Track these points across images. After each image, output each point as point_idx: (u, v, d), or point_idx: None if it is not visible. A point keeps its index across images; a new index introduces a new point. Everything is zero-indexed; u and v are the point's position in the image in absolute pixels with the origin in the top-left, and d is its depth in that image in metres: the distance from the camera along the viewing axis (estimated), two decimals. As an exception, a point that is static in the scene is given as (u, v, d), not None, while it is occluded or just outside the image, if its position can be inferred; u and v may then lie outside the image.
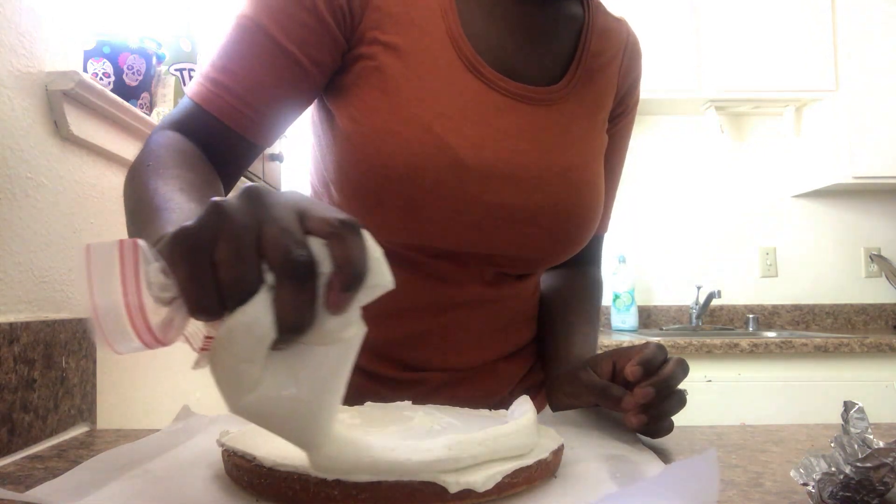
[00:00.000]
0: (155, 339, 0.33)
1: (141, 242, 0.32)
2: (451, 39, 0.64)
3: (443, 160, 0.62)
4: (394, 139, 0.61)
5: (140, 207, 0.50)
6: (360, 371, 0.72)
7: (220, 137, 0.61)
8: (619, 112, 0.80)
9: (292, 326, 0.32)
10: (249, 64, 0.60)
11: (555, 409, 0.70)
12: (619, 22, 0.79)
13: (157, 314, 0.33)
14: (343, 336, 0.34)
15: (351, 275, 0.33)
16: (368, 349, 0.71)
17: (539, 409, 0.77)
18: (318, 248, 0.33)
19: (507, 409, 0.57)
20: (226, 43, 0.61)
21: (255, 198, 0.33)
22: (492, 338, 0.74)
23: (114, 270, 0.32)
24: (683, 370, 0.57)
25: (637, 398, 0.55)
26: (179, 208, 0.46)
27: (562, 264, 0.86)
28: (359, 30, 0.62)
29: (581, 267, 0.88)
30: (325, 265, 0.33)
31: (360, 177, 0.62)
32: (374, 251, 0.34)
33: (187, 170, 0.54)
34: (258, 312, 0.31)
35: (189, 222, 0.33)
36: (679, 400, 0.57)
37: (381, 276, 0.34)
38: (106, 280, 0.32)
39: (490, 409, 0.60)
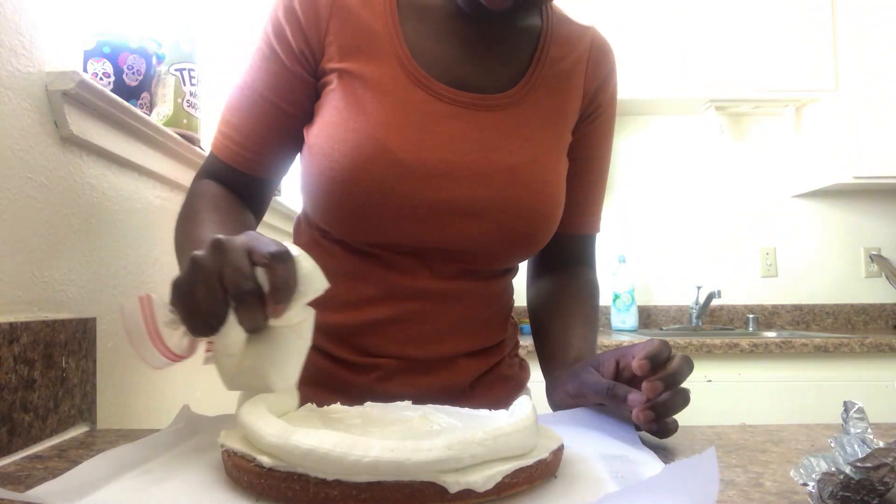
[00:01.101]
0: (174, 354, 0.50)
1: (153, 295, 0.49)
2: (398, 60, 0.72)
3: (383, 162, 0.68)
4: (340, 146, 0.69)
5: (180, 251, 0.68)
6: (320, 352, 0.77)
7: (236, 178, 0.75)
8: (592, 111, 0.82)
9: (250, 329, 0.48)
10: (243, 115, 0.74)
11: (555, 408, 0.70)
12: (586, 28, 0.83)
13: (171, 338, 0.49)
14: (291, 322, 0.50)
15: (278, 293, 0.47)
16: (328, 333, 0.76)
17: (502, 402, 0.78)
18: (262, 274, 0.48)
19: (471, 401, 0.58)
20: (230, 100, 0.76)
21: (217, 248, 0.47)
22: (453, 334, 0.76)
23: (139, 315, 0.49)
24: (689, 366, 0.58)
25: (645, 393, 0.55)
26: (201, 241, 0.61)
27: (554, 267, 0.88)
28: (321, 65, 0.73)
29: (574, 269, 0.88)
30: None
31: (316, 182, 0.71)
32: (304, 267, 0.48)
33: (212, 211, 0.69)
34: (231, 326, 0.47)
35: (179, 274, 0.48)
36: (684, 398, 0.57)
37: (311, 285, 0.49)
38: (135, 322, 0.49)
39: (490, 409, 0.60)
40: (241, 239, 0.48)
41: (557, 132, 0.78)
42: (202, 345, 0.50)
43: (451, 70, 0.74)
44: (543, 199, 0.74)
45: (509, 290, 0.85)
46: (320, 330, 0.75)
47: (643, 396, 0.56)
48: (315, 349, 0.76)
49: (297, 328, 0.51)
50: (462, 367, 0.78)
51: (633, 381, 0.58)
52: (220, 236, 0.48)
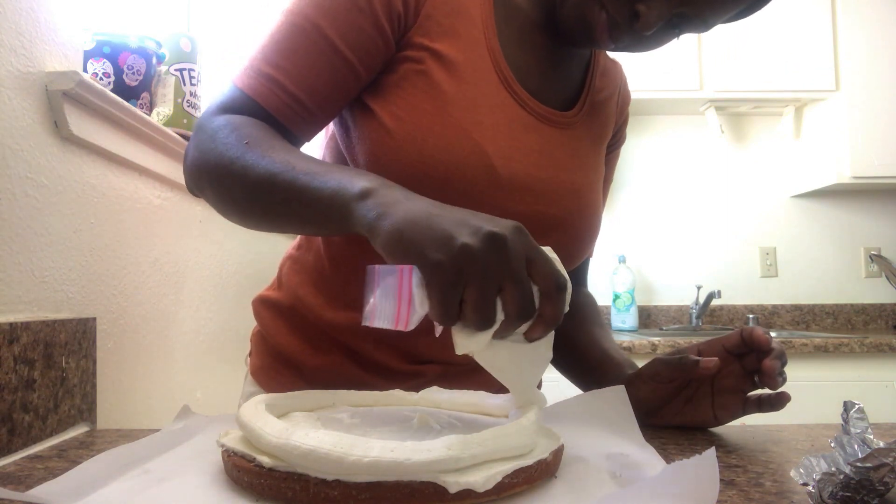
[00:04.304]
0: (405, 325, 0.44)
1: (414, 269, 0.44)
2: (491, 54, 0.68)
3: (478, 166, 0.65)
4: (435, 140, 0.63)
5: (280, 175, 0.54)
6: (359, 359, 0.74)
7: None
8: (613, 143, 0.87)
9: (501, 338, 0.46)
10: (306, 65, 0.61)
11: (636, 401, 0.66)
12: (615, 63, 0.86)
13: (413, 314, 0.44)
14: (546, 333, 0.47)
15: (545, 324, 0.46)
16: (375, 338, 0.72)
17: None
18: (535, 292, 0.45)
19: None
20: (280, 40, 0.62)
21: (496, 245, 0.43)
22: None
23: (395, 282, 0.44)
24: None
25: (767, 371, 0.63)
26: (336, 170, 0.53)
27: None
28: (408, 35, 0.65)
29: (575, 288, 0.91)
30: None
31: (398, 170, 0.62)
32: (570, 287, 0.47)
33: (281, 139, 0.59)
34: (488, 336, 0.45)
35: (444, 257, 0.42)
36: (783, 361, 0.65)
37: (568, 304, 0.47)
38: (387, 285, 0.45)
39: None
40: (524, 243, 0.45)
41: (600, 159, 0.80)
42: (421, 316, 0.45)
43: (528, 78, 0.72)
44: (595, 222, 0.76)
45: None
46: (366, 335, 0.72)
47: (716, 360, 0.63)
48: (350, 357, 0.74)
49: (538, 344, 0.48)
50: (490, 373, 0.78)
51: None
52: (501, 232, 0.43)
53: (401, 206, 0.47)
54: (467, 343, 0.45)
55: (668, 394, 0.67)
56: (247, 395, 0.81)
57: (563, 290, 0.45)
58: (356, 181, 0.50)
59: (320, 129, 0.67)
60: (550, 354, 0.50)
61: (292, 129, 0.63)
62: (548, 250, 0.47)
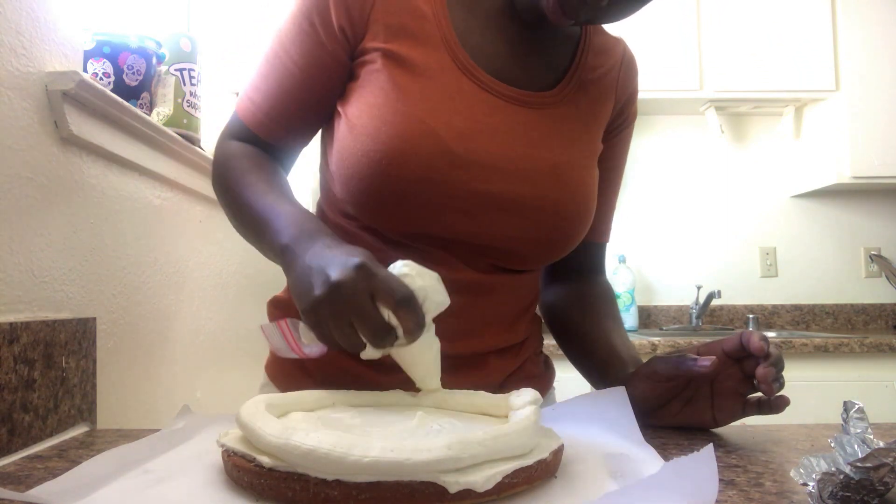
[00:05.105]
0: (304, 355, 0.59)
1: (290, 321, 0.59)
2: (446, 45, 0.71)
3: (433, 148, 0.67)
4: (388, 129, 0.67)
5: (246, 212, 0.70)
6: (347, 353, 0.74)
7: (259, 144, 0.75)
8: (619, 122, 0.85)
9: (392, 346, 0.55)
10: (272, 84, 0.73)
11: (634, 399, 0.66)
12: (617, 40, 0.85)
13: (310, 347, 0.59)
14: (415, 339, 0.55)
15: (409, 334, 0.53)
16: None
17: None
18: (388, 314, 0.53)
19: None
20: (259, 66, 0.75)
21: (337, 291, 0.52)
22: (486, 329, 0.76)
23: (279, 335, 0.60)
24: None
25: (761, 378, 0.63)
26: (279, 215, 0.65)
27: (569, 273, 0.89)
28: (362, 44, 0.71)
29: (589, 275, 0.89)
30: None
31: (357, 164, 0.68)
32: (422, 288, 0.54)
33: (258, 172, 0.71)
34: (374, 350, 0.55)
35: (307, 307, 0.55)
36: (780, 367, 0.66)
37: (432, 304, 0.55)
38: (277, 339, 0.60)
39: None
40: (361, 280, 0.52)
41: (592, 137, 0.80)
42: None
43: (496, 64, 0.73)
44: (581, 200, 0.75)
45: (537, 285, 0.84)
46: None
47: (715, 359, 0.63)
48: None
49: (422, 341, 0.55)
50: (492, 366, 0.77)
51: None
52: (338, 278, 0.52)
53: (295, 263, 0.59)
54: (365, 354, 0.55)
55: (667, 393, 0.67)
56: (260, 386, 0.84)
57: (406, 303, 0.52)
58: (280, 236, 0.63)
59: (298, 138, 0.76)
60: (437, 343, 0.58)
61: (270, 141, 0.75)
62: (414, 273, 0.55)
